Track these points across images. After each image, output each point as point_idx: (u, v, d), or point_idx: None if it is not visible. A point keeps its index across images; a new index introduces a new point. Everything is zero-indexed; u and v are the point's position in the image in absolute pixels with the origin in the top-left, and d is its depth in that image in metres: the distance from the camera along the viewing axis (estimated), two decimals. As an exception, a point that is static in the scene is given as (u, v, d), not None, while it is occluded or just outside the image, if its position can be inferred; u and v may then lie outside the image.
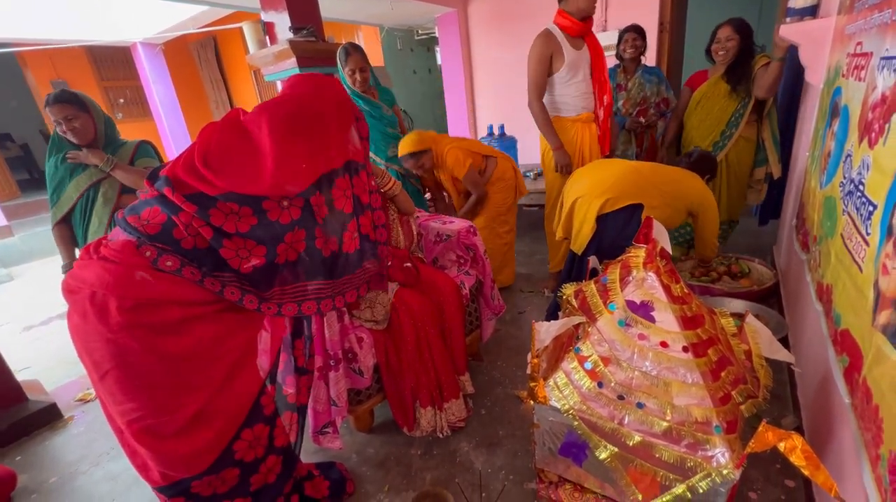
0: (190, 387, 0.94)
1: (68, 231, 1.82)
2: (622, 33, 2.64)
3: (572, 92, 2.26)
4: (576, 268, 1.97)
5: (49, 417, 1.90)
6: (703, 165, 1.99)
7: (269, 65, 2.68)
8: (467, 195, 2.50)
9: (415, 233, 1.82)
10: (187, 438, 0.94)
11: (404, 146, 2.30)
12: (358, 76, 2.25)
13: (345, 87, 2.25)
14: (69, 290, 0.92)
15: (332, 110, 1.08)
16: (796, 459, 0.79)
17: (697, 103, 2.40)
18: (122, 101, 6.94)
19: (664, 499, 1.01)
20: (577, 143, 2.33)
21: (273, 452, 1.09)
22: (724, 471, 0.90)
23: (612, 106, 2.34)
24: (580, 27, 2.14)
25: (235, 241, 0.97)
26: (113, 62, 6.65)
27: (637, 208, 1.75)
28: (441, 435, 1.54)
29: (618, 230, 1.75)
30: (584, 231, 1.85)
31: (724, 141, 2.36)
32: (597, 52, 2.23)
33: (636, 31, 2.59)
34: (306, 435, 1.45)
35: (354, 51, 2.24)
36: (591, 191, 1.83)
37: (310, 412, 1.41)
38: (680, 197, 1.80)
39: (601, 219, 1.80)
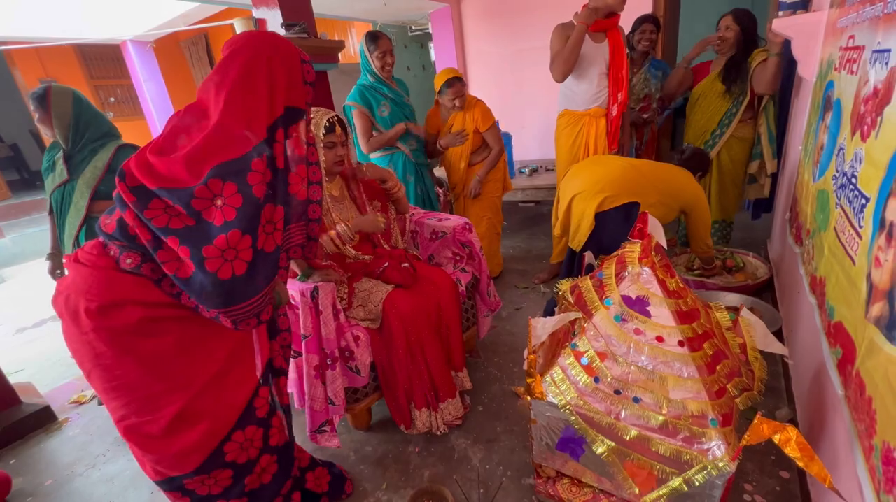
0: (170, 389, 0.91)
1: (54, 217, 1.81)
2: (637, 23, 2.58)
3: (584, 87, 2.27)
4: (576, 265, 1.97)
5: (43, 420, 1.88)
6: (695, 162, 2.00)
7: (262, 62, 2.65)
8: (467, 158, 2.53)
9: (408, 230, 1.81)
10: (171, 438, 0.92)
11: (447, 73, 2.35)
12: (388, 59, 2.31)
13: (369, 73, 2.36)
14: (54, 294, 0.91)
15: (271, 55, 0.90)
16: (791, 451, 0.79)
17: (696, 101, 2.40)
18: (112, 99, 6.86)
19: (661, 493, 1.02)
20: (583, 138, 2.34)
21: (267, 452, 1.07)
22: (720, 464, 0.90)
23: (626, 104, 2.32)
24: (601, 23, 2.14)
25: (172, 242, 0.83)
26: (103, 60, 6.57)
27: (634, 206, 1.76)
28: (438, 433, 1.54)
29: (616, 227, 1.75)
30: (582, 228, 1.86)
31: (714, 140, 2.36)
32: (618, 47, 2.21)
33: (654, 23, 2.53)
34: (305, 435, 1.45)
35: (382, 35, 2.30)
36: (589, 188, 1.83)
37: (307, 411, 1.41)
38: (674, 195, 1.82)
39: (600, 217, 1.80)
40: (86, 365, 0.89)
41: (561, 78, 2.25)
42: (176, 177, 0.82)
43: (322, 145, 1.41)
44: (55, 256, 1.85)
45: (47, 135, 1.69)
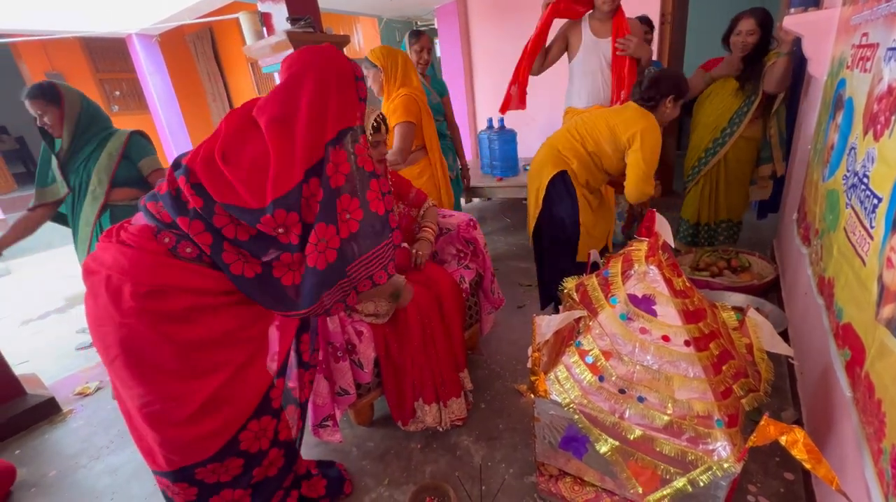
0: (199, 375, 0.94)
1: (39, 218, 1.79)
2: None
3: (584, 83, 2.26)
4: (544, 259, 2.03)
5: (48, 411, 1.89)
6: (660, 88, 1.72)
7: (267, 56, 2.65)
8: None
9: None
10: (194, 425, 0.94)
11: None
12: (424, 55, 2.39)
13: None
14: (88, 272, 0.92)
15: (328, 77, 0.92)
16: (798, 453, 0.78)
17: (707, 97, 2.36)
18: (118, 93, 6.87)
19: (665, 493, 1.01)
20: None
21: (276, 445, 1.09)
22: (725, 465, 0.90)
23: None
24: (576, 11, 2.16)
25: (235, 247, 0.91)
26: (108, 54, 6.58)
27: (563, 175, 1.81)
28: (440, 429, 1.54)
29: (558, 202, 1.83)
30: (531, 213, 1.95)
31: (724, 138, 2.33)
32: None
33: (647, 24, 2.52)
34: (307, 429, 1.46)
35: (424, 34, 2.41)
36: (534, 183, 1.90)
37: (310, 406, 1.41)
38: (596, 142, 1.78)
39: (547, 202, 1.85)
40: (112, 349, 0.90)
41: (535, 70, 2.29)
42: (241, 194, 0.88)
43: (371, 143, 1.41)
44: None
45: (51, 132, 1.69)
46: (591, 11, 2.19)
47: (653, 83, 1.73)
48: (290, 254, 0.91)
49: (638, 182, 1.73)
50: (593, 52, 2.19)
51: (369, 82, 2.17)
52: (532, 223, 1.96)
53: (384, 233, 1.00)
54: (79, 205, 1.77)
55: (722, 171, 2.41)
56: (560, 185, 1.82)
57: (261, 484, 1.10)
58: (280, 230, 0.90)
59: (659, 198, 2.22)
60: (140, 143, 1.82)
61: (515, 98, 2.39)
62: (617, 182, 1.95)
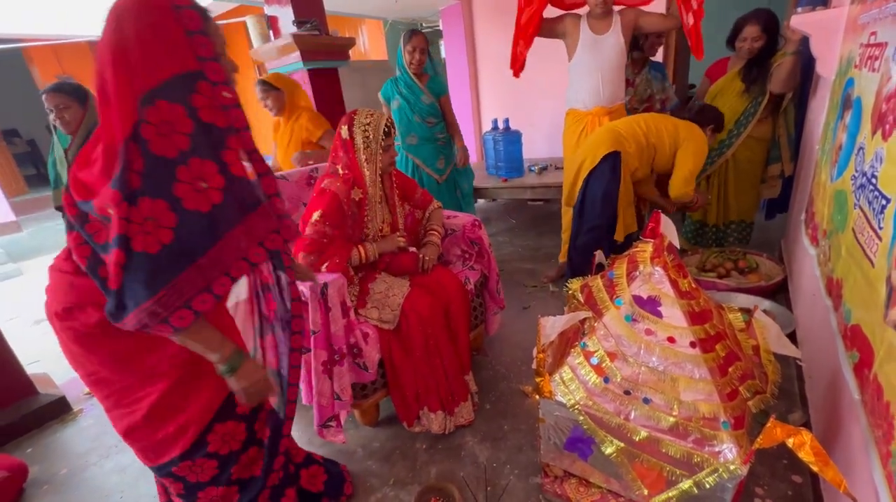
0: (141, 383, 0.92)
1: None
2: None
3: (584, 85, 2.25)
4: (576, 261, 2.17)
5: (59, 410, 1.92)
6: (702, 116, 2.09)
7: (273, 59, 2.67)
8: None
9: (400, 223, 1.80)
10: (150, 429, 0.93)
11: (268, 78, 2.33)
12: (417, 56, 2.41)
13: (399, 67, 2.51)
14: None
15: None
16: (805, 455, 0.78)
17: (713, 98, 2.35)
18: (127, 96, 6.95)
19: (670, 495, 1.01)
20: (584, 136, 2.32)
21: (254, 444, 1.07)
22: (732, 467, 0.89)
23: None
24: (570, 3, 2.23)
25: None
26: (117, 57, 6.66)
27: (615, 156, 1.97)
28: (446, 432, 1.54)
29: (602, 180, 1.99)
30: (575, 190, 2.14)
31: (730, 139, 2.32)
32: (637, 21, 2.16)
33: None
34: (301, 432, 1.47)
35: (418, 33, 2.42)
36: (583, 155, 2.07)
37: (314, 406, 1.42)
38: (659, 136, 1.99)
39: (588, 177, 2.04)
40: (70, 362, 0.93)
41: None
42: (90, 186, 0.76)
43: (382, 147, 1.49)
44: None
45: (61, 127, 1.71)
46: (588, 10, 2.20)
47: (699, 112, 2.10)
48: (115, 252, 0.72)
49: (684, 178, 1.97)
50: (592, 50, 2.17)
51: (270, 103, 2.34)
52: (566, 190, 2.23)
53: (255, 203, 0.82)
54: None
55: (731, 172, 2.40)
56: (609, 164, 1.97)
57: (245, 481, 1.08)
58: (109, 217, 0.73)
59: (701, 205, 2.33)
60: None
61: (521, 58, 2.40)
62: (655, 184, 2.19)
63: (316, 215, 1.44)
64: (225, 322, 1.03)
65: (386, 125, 1.48)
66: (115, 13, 0.72)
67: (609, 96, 2.25)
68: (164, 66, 0.73)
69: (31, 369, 1.99)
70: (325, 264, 1.43)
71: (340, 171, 1.52)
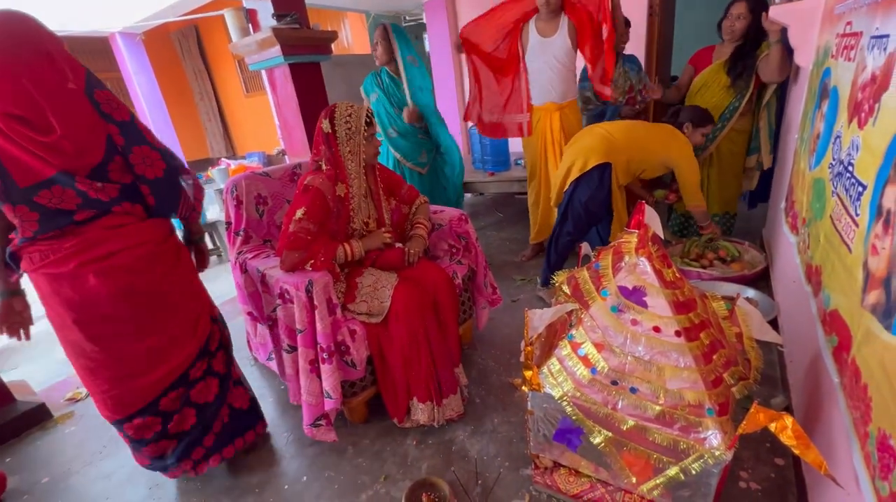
0: (107, 364, 1.19)
1: None
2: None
3: (535, 82, 2.40)
4: (555, 248, 2.26)
5: (38, 417, 1.87)
6: (685, 115, 2.13)
7: (253, 53, 2.61)
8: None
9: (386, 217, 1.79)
10: (115, 393, 1.21)
11: None
12: (377, 49, 2.52)
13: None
14: None
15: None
16: (787, 439, 0.79)
17: (698, 90, 2.35)
18: (102, 93, 6.75)
19: (657, 482, 1.02)
20: (540, 130, 2.48)
21: (189, 406, 1.31)
22: (717, 453, 0.91)
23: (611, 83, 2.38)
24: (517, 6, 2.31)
25: None
26: (92, 53, 6.45)
27: (606, 167, 2.00)
28: (436, 425, 1.54)
29: (588, 187, 2.04)
30: (561, 192, 2.18)
31: (714, 133, 2.33)
32: (582, 33, 2.23)
33: (624, 22, 2.51)
34: (299, 429, 1.46)
35: (378, 26, 2.53)
36: (573, 158, 2.08)
37: (303, 405, 1.41)
38: (649, 152, 2.02)
39: (576, 182, 2.07)
40: None
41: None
42: None
43: (364, 137, 1.49)
44: None
45: None
46: (537, 13, 2.29)
47: (673, 114, 2.17)
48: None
49: (693, 188, 2.04)
50: (540, 52, 2.31)
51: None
52: (554, 192, 2.24)
53: None
54: None
55: (715, 164, 2.42)
56: (598, 173, 2.01)
57: (181, 435, 1.32)
58: None
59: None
60: None
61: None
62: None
63: (300, 212, 1.42)
64: None
65: (367, 115, 1.48)
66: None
67: (560, 93, 2.38)
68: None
69: (8, 376, 1.93)
70: (311, 262, 1.41)
71: (324, 167, 1.50)
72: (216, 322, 1.38)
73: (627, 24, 2.55)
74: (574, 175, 2.05)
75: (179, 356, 1.25)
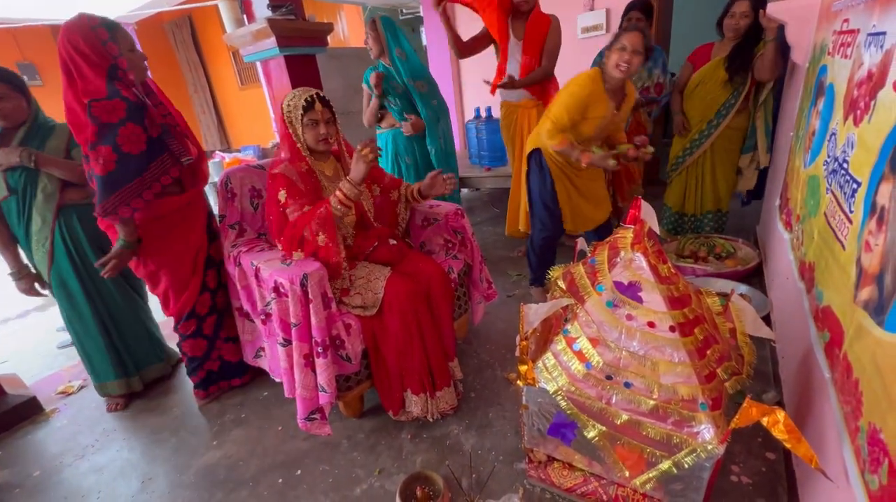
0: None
1: (5, 230, 1.63)
2: (625, 10, 2.52)
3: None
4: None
5: (29, 411, 1.85)
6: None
7: (248, 45, 2.57)
8: None
9: (401, 215, 1.79)
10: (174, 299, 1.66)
11: None
12: (369, 42, 2.51)
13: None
14: None
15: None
16: (779, 433, 0.80)
17: (696, 87, 2.32)
18: (94, 84, 6.64)
19: (650, 475, 1.03)
20: (517, 127, 2.52)
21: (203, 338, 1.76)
22: (709, 447, 0.92)
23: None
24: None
25: None
26: (83, 43, 6.35)
27: (537, 153, 1.95)
28: (431, 420, 1.54)
29: (534, 178, 2.02)
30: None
31: (710, 130, 2.32)
32: (528, 35, 2.30)
33: (641, 11, 2.45)
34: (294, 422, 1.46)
35: (371, 21, 2.50)
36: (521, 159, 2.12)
37: (297, 399, 1.40)
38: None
39: (528, 176, 2.07)
40: None
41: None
42: None
43: (300, 124, 1.45)
44: (24, 275, 1.69)
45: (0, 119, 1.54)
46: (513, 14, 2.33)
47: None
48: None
49: (540, 125, 1.87)
50: (513, 51, 2.36)
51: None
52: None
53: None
54: (27, 206, 1.59)
55: (709, 162, 2.41)
56: (534, 161, 1.97)
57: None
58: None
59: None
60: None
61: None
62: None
63: (282, 196, 1.45)
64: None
65: (306, 100, 1.42)
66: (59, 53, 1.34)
67: (537, 91, 2.42)
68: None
69: (-2, 370, 1.91)
70: (322, 236, 1.40)
71: (284, 155, 1.53)
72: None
73: (648, 13, 2.48)
74: (524, 170, 2.06)
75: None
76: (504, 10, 2.30)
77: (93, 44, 1.31)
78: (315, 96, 1.44)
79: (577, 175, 1.93)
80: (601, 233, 2.08)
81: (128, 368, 1.86)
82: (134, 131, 1.35)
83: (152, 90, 1.51)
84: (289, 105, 1.45)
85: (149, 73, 1.54)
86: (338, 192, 1.40)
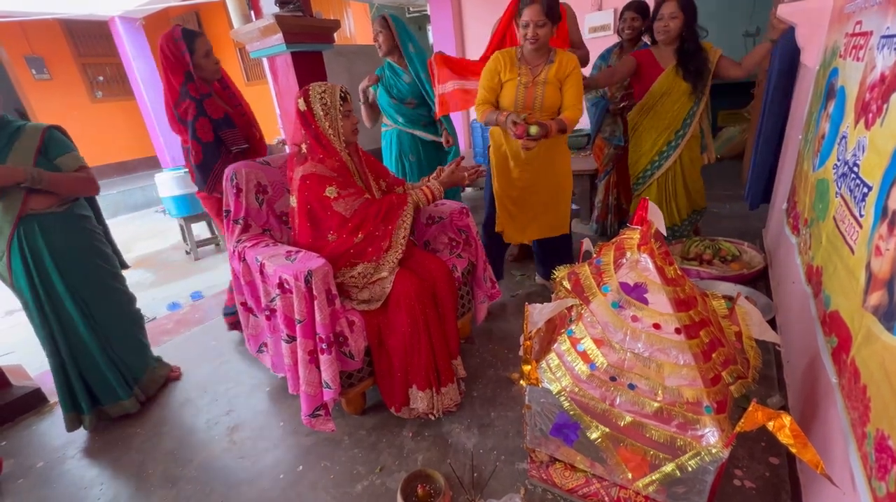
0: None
1: None
2: (622, 11, 2.50)
3: None
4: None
5: (34, 402, 1.87)
6: None
7: (255, 41, 2.58)
8: None
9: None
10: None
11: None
12: (378, 39, 2.51)
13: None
14: None
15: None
16: (784, 438, 0.80)
17: (659, 98, 2.20)
18: (101, 78, 6.69)
19: (653, 478, 1.02)
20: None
21: None
22: (714, 450, 0.91)
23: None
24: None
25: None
26: (91, 37, 6.39)
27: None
28: (433, 417, 1.54)
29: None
30: None
31: (677, 141, 2.24)
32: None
33: (636, 10, 2.43)
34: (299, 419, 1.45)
35: (379, 17, 2.51)
36: None
37: (302, 395, 1.40)
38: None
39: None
40: None
41: None
42: None
43: (341, 113, 1.50)
44: None
45: None
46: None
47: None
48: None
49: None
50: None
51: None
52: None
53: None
54: None
55: (679, 173, 2.31)
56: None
57: None
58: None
59: None
60: (58, 139, 1.52)
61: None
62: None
63: (331, 192, 1.45)
64: None
65: (342, 92, 1.49)
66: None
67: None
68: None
69: (3, 361, 1.92)
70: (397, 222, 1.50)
71: (303, 149, 1.51)
72: None
73: (643, 13, 2.42)
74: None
75: None
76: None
77: (174, 53, 1.70)
78: (346, 91, 1.50)
79: (516, 178, 2.03)
80: (546, 250, 2.21)
81: (79, 405, 1.64)
82: (203, 124, 1.73)
83: (227, 84, 1.93)
84: (323, 99, 1.47)
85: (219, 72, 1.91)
86: (425, 189, 1.58)
